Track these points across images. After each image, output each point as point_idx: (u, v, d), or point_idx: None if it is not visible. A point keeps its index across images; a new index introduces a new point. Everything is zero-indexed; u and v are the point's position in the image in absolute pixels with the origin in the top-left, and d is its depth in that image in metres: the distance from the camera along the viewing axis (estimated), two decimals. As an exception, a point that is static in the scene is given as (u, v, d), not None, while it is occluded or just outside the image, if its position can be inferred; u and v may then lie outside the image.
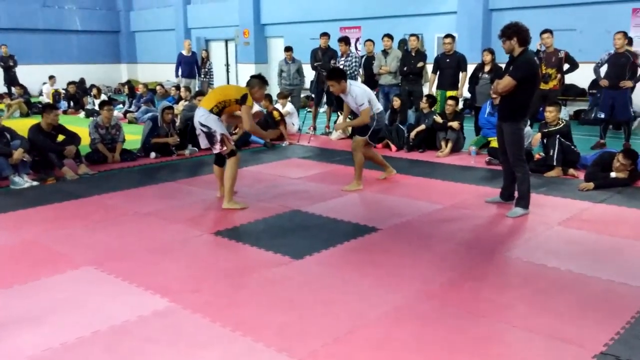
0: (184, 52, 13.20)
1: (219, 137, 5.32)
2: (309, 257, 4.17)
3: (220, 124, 5.38)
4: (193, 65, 13.29)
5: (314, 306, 3.36)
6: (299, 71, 11.11)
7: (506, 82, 4.98)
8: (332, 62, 10.05)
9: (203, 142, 5.57)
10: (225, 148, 5.38)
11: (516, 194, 5.33)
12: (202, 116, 5.34)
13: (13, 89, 15.34)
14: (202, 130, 5.39)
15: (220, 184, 5.78)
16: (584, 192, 5.95)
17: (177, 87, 12.49)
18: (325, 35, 10.46)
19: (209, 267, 4.01)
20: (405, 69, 9.62)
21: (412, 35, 9.96)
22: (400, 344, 2.93)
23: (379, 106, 6.26)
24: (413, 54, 9.65)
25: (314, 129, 10.57)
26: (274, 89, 12.02)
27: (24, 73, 16.37)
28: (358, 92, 6.01)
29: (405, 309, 3.33)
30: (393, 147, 8.59)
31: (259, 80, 5.62)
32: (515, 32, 4.97)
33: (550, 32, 8.38)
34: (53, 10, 20.03)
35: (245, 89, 5.52)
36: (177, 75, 13.27)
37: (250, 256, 4.23)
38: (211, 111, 5.32)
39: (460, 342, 2.94)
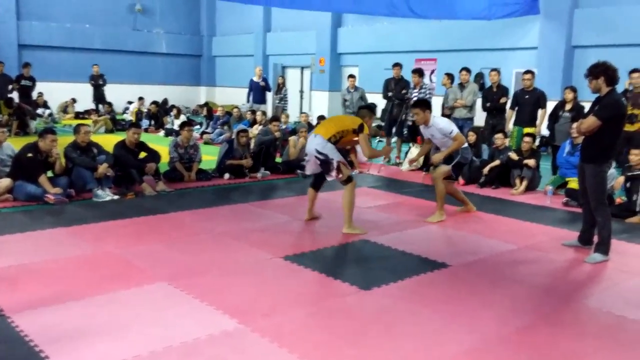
0: (255, 79, 13.62)
1: (335, 165, 5.49)
2: (377, 289, 4.13)
3: (336, 152, 5.57)
4: (264, 92, 13.69)
5: (384, 340, 3.32)
6: (362, 99, 11.21)
7: (591, 121, 4.82)
8: (404, 92, 10.05)
9: (312, 168, 5.79)
10: (341, 175, 5.54)
11: (596, 239, 5.09)
12: (320, 144, 5.51)
13: (100, 106, 16.31)
14: (317, 157, 5.54)
15: (310, 206, 6.01)
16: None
17: (253, 112, 12.87)
18: (397, 65, 10.52)
19: (278, 291, 4.05)
20: (488, 104, 9.50)
21: (493, 69, 9.84)
22: (470, 388, 2.84)
23: (465, 141, 6.32)
24: (494, 89, 9.52)
25: (389, 159, 10.56)
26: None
27: (111, 91, 17.38)
28: (443, 123, 6.09)
29: (481, 351, 3.23)
30: (461, 180, 8.44)
31: (368, 110, 6.03)
32: (603, 71, 4.84)
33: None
34: (142, 33, 21.25)
35: (359, 118, 5.73)
36: (248, 101, 13.70)
37: (319, 283, 4.24)
38: (329, 140, 5.50)
39: (534, 392, 2.81)
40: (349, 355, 3.12)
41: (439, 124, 6.07)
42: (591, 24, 11.94)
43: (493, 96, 9.46)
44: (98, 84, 16.70)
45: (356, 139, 5.66)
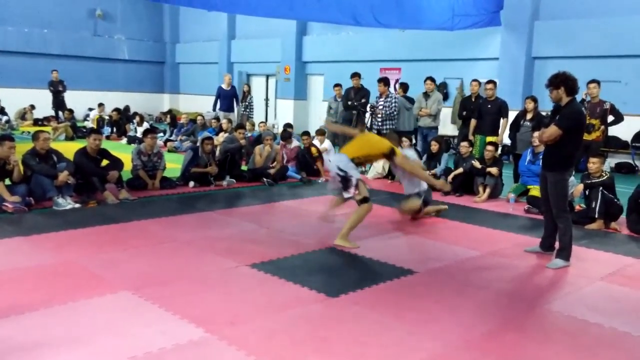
0: (224, 86, 13.50)
1: (354, 182, 5.46)
2: (345, 296, 4.13)
3: (357, 170, 5.59)
4: (232, 99, 13.58)
5: (350, 347, 3.31)
6: None
7: (552, 130, 4.94)
8: (363, 100, 10.14)
9: (333, 186, 5.77)
10: (358, 192, 5.54)
11: (557, 245, 5.22)
12: (342, 162, 5.50)
13: (60, 113, 15.92)
14: (338, 174, 5.49)
15: (333, 206, 6.05)
16: (626, 247, 5.78)
17: (217, 119, 12.76)
18: (356, 75, 10.69)
19: (245, 299, 4.00)
20: (464, 113, 9.67)
21: (473, 80, 10.02)
22: (438, 393, 2.85)
23: (424, 186, 6.60)
24: (472, 99, 9.70)
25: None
26: (314, 126, 12.15)
27: (71, 98, 16.99)
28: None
29: (445, 357, 3.25)
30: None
31: (397, 134, 6.85)
32: (563, 81, 4.96)
33: (598, 82, 8.33)
34: (103, 39, 20.86)
35: (388, 142, 5.91)
36: (214, 109, 13.54)
37: (286, 291, 4.21)
38: (352, 160, 5.52)
39: (501, 396, 2.85)
40: (317, 362, 3.10)
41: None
42: (551, 36, 12.31)
43: (471, 105, 9.65)
44: (58, 90, 16.32)
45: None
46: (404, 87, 11.12)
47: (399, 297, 4.19)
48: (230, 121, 12.01)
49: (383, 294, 4.24)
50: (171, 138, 13.21)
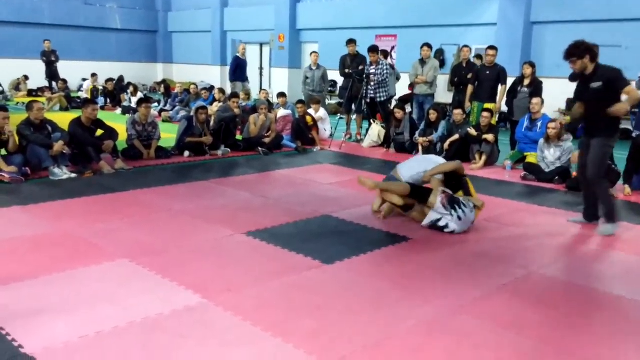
0: (240, 56, 13.26)
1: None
2: (340, 263, 4.16)
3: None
4: (245, 69, 13.44)
5: (345, 313, 3.35)
6: (324, 77, 11.19)
7: (636, 93, 4.88)
8: (361, 67, 10.05)
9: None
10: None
11: (601, 212, 5.22)
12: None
13: (54, 84, 15.75)
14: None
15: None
16: (623, 213, 5.79)
17: (210, 89, 12.64)
18: (352, 42, 10.50)
19: (241, 267, 4.03)
20: (456, 79, 9.61)
21: (464, 46, 9.94)
22: (430, 358, 2.90)
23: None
24: (464, 65, 9.63)
25: (350, 136, 10.57)
26: (300, 94, 12.05)
27: (64, 68, 16.79)
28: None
29: (437, 322, 3.29)
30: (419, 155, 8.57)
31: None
32: (587, 50, 4.89)
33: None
34: (94, 8, 20.52)
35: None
36: (232, 79, 13.32)
37: (281, 258, 4.23)
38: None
39: (490, 358, 2.89)
40: (310, 328, 3.13)
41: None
42: (549, 0, 12.13)
43: (462, 72, 9.56)
44: (50, 60, 16.11)
45: None
46: (385, 53, 10.93)
47: (392, 264, 4.22)
48: (222, 91, 11.89)
49: (377, 261, 4.27)
50: (165, 108, 13.10)
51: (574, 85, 8.44)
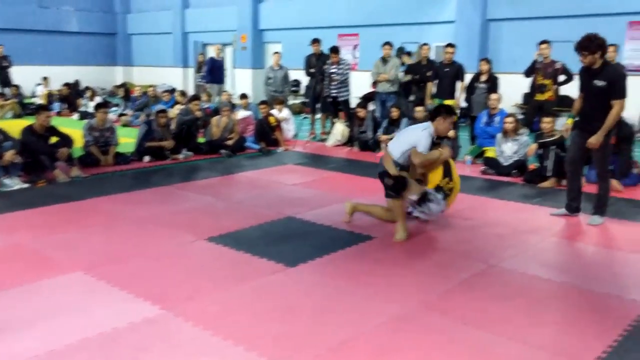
0: (216, 57, 13.05)
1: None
2: (304, 265, 4.12)
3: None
4: (222, 70, 13.24)
5: (309, 315, 3.32)
6: (286, 78, 11.15)
7: (619, 108, 4.87)
8: (325, 66, 10.03)
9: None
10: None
11: (593, 203, 5.34)
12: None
13: (7, 89, 15.24)
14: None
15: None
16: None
17: (171, 91, 12.44)
18: (316, 41, 10.52)
19: (203, 273, 3.96)
20: (416, 77, 9.68)
21: (424, 44, 10.02)
22: (397, 355, 2.89)
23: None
24: (424, 63, 9.71)
25: (314, 135, 10.55)
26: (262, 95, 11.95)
27: (18, 73, 16.26)
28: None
29: (403, 319, 3.29)
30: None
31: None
32: (600, 46, 4.87)
33: (549, 42, 8.40)
34: (50, 11, 19.95)
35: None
36: (207, 81, 13.12)
37: (244, 263, 4.18)
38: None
39: (457, 354, 2.90)
40: (274, 333, 3.10)
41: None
42: (504, -2, 12.36)
43: (422, 69, 9.64)
44: (3, 65, 15.58)
45: None
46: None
47: (357, 263, 4.21)
48: (184, 94, 11.71)
49: (342, 261, 4.26)
50: (125, 112, 12.83)
51: (528, 81, 8.68)
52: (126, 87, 14.75)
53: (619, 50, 9.77)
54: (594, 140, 4.97)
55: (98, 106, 8.04)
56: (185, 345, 2.96)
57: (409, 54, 12.51)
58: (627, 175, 6.65)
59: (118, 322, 3.17)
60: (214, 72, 12.91)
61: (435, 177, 5.17)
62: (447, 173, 5.16)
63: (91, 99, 13.56)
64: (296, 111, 13.83)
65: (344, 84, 9.91)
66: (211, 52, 18.96)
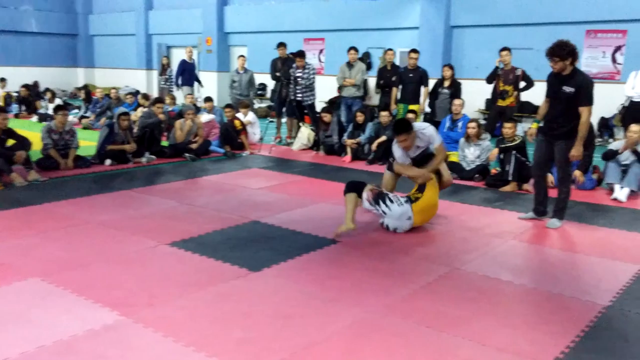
0: (187, 59, 12.88)
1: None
2: (267, 270, 4.10)
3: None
4: (194, 73, 13.06)
5: (272, 320, 3.30)
6: (251, 81, 11.12)
7: (587, 115, 4.95)
8: (291, 70, 10.03)
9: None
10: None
11: (553, 207, 5.45)
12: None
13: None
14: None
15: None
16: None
17: (135, 94, 12.25)
18: (282, 45, 10.54)
19: (164, 279, 3.89)
20: (381, 82, 9.77)
21: (388, 49, 10.13)
22: (360, 359, 2.89)
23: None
24: (389, 68, 9.81)
25: (280, 139, 10.52)
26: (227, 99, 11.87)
27: (-26, 75, 15.77)
28: (429, 131, 5.27)
29: (366, 323, 3.30)
30: (348, 157, 8.67)
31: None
32: (571, 53, 4.93)
33: (509, 50, 8.59)
34: (8, 10, 19.40)
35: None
36: (177, 84, 12.94)
37: (207, 268, 4.12)
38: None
39: (419, 357, 2.93)
40: (236, 338, 3.06)
41: (426, 133, 5.27)
42: (467, 5, 12.59)
43: (387, 74, 9.73)
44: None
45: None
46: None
47: (321, 267, 4.21)
48: (146, 97, 11.53)
49: (306, 265, 4.25)
50: (86, 114, 12.56)
51: (491, 87, 8.86)
52: (87, 89, 14.44)
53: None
54: (575, 152, 5.07)
55: (57, 108, 7.85)
56: (146, 352, 2.90)
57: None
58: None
59: (76, 329, 3.09)
60: (185, 74, 12.76)
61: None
62: (421, 189, 5.21)
63: (51, 100, 13.23)
64: (262, 115, 13.79)
65: (310, 88, 9.93)
66: (176, 54, 18.84)
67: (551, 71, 5.15)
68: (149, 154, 8.27)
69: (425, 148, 5.33)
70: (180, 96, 12.93)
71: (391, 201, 5.03)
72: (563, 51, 4.94)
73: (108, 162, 7.83)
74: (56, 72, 20.51)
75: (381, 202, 5.01)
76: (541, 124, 5.47)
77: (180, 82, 12.84)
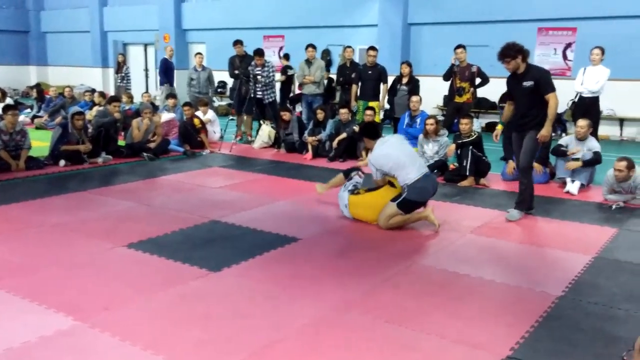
0: (168, 58, 12.55)
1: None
2: (228, 269, 4.06)
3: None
4: (173, 71, 12.76)
5: (232, 320, 3.27)
6: (210, 79, 11.01)
7: (554, 102, 5.15)
8: (250, 68, 9.96)
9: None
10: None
11: (517, 198, 5.59)
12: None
13: None
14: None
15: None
16: (494, 201, 6.20)
17: (92, 92, 11.94)
18: (239, 43, 10.46)
19: (121, 282, 3.80)
20: (341, 79, 9.79)
21: (347, 46, 10.16)
22: (320, 357, 2.90)
23: (412, 176, 5.08)
24: (348, 65, 9.83)
25: (241, 137, 10.43)
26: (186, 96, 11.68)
27: None
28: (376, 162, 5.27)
29: (326, 319, 3.31)
30: (309, 154, 8.68)
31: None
32: (519, 51, 5.17)
33: (464, 47, 8.73)
34: (-47, 6, 18.65)
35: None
36: (161, 83, 12.57)
37: (166, 269, 4.06)
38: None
39: (378, 352, 2.95)
40: (195, 339, 3.02)
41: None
42: (424, 3, 12.76)
43: (346, 72, 9.76)
44: None
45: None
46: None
47: (281, 266, 4.20)
48: (103, 95, 11.25)
49: (266, 264, 4.23)
50: (39, 114, 12.18)
51: (447, 84, 8.99)
52: (40, 88, 13.99)
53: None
54: (544, 132, 5.26)
55: (6, 108, 7.58)
56: (102, 357, 2.83)
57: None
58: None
59: (28, 336, 2.99)
60: (167, 73, 12.49)
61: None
62: (372, 190, 5.51)
63: (1, 100, 12.75)
64: (223, 113, 13.65)
65: (270, 85, 9.88)
66: (132, 52, 18.47)
67: (509, 74, 5.39)
68: (105, 154, 8.08)
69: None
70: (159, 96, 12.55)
71: (345, 185, 5.68)
72: (511, 51, 5.20)
73: (62, 163, 7.61)
74: (6, 70, 19.80)
75: (347, 181, 5.76)
76: (508, 124, 5.68)
77: (165, 80, 12.52)
